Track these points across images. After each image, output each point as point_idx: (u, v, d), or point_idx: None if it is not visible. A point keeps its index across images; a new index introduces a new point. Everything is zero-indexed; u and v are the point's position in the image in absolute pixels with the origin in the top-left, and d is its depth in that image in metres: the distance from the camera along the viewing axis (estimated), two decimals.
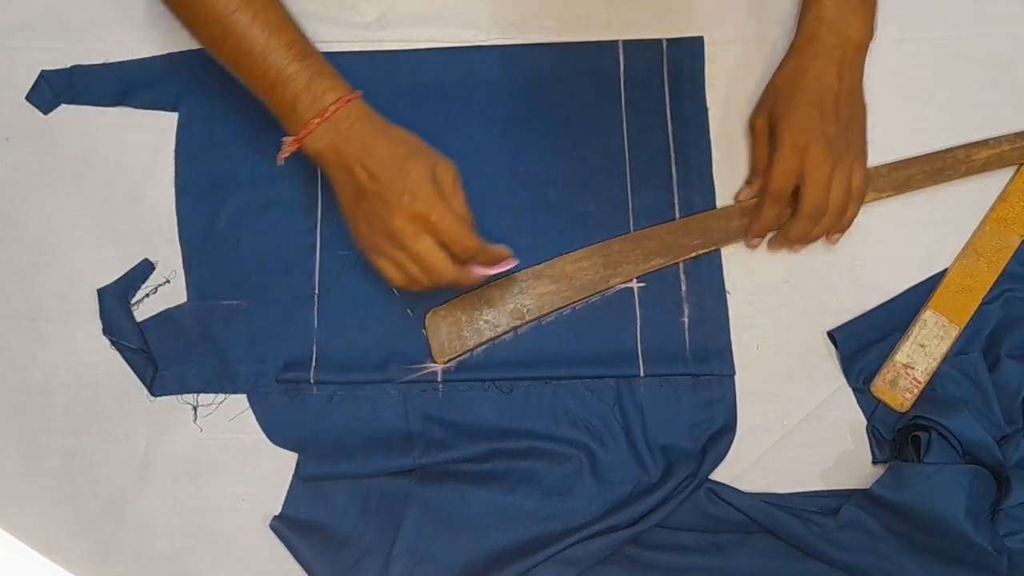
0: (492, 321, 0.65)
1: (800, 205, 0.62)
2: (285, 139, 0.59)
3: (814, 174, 0.61)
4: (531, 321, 0.65)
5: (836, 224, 0.64)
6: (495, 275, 0.61)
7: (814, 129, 0.61)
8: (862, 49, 0.63)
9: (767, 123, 0.65)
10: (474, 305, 0.65)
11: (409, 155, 0.58)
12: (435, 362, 0.65)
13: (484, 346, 0.65)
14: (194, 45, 0.71)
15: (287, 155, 0.59)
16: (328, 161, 0.59)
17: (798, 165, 0.61)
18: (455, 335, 0.64)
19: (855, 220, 0.64)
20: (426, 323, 0.65)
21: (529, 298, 0.65)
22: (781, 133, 0.62)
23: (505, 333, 0.65)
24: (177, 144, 0.70)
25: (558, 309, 0.65)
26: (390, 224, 0.57)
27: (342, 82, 0.59)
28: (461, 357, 0.65)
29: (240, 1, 0.57)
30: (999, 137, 0.68)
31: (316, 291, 0.66)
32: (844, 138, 0.62)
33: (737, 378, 0.65)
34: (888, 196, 0.67)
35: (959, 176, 0.67)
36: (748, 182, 0.68)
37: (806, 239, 0.64)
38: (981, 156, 0.67)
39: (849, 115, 0.63)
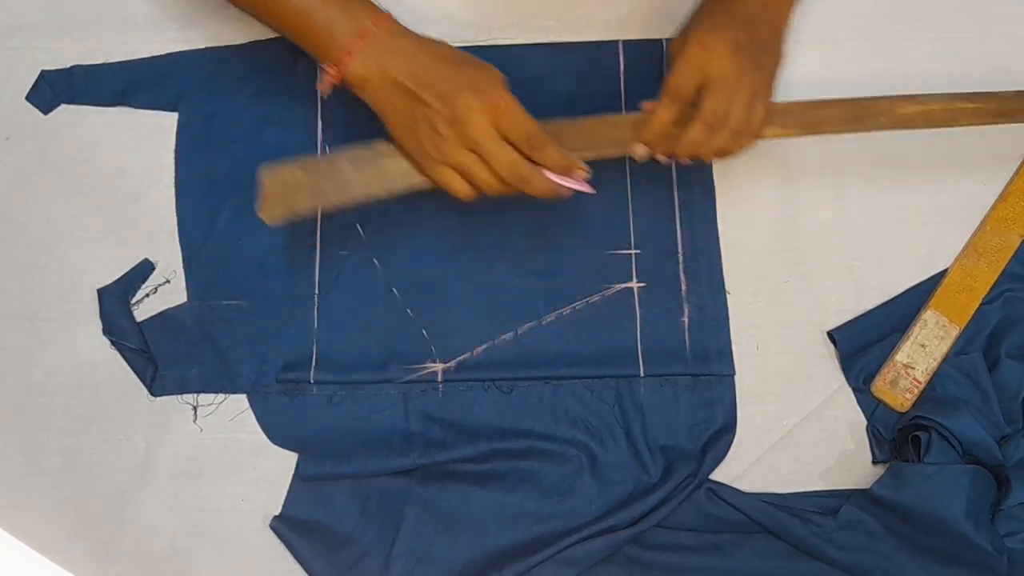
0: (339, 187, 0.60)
1: (699, 110, 0.57)
2: (326, 67, 0.57)
3: (719, 78, 0.56)
4: (380, 195, 0.60)
5: (729, 144, 0.58)
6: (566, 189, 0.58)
7: (726, 34, 0.56)
8: None
9: (696, 46, 0.58)
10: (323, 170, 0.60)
11: (457, 59, 0.57)
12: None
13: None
14: (194, 45, 0.71)
15: (329, 86, 0.58)
16: (375, 83, 0.57)
17: (703, 64, 0.56)
18: (290, 194, 0.59)
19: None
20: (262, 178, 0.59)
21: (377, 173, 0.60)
22: (691, 35, 0.57)
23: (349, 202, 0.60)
24: (177, 144, 0.70)
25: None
26: (456, 125, 0.55)
27: (377, 8, 0.58)
28: (461, 357, 0.65)
29: None
30: (931, 95, 0.62)
31: (316, 291, 0.66)
32: (756, 59, 0.58)
33: (737, 378, 0.65)
34: (795, 135, 0.62)
35: (878, 128, 0.62)
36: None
37: (696, 151, 0.59)
38: (906, 111, 0.62)
39: (765, 39, 0.59)
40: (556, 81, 0.70)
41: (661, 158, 0.61)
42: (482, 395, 0.64)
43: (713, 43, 0.56)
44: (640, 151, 0.60)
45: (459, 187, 0.58)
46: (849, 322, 0.65)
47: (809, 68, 0.71)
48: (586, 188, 0.59)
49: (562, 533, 0.61)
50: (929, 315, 0.64)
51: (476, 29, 0.71)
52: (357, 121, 0.69)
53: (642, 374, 0.64)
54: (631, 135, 0.60)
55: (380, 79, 0.57)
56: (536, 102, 0.69)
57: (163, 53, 0.71)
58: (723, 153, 0.59)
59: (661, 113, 0.58)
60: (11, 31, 0.72)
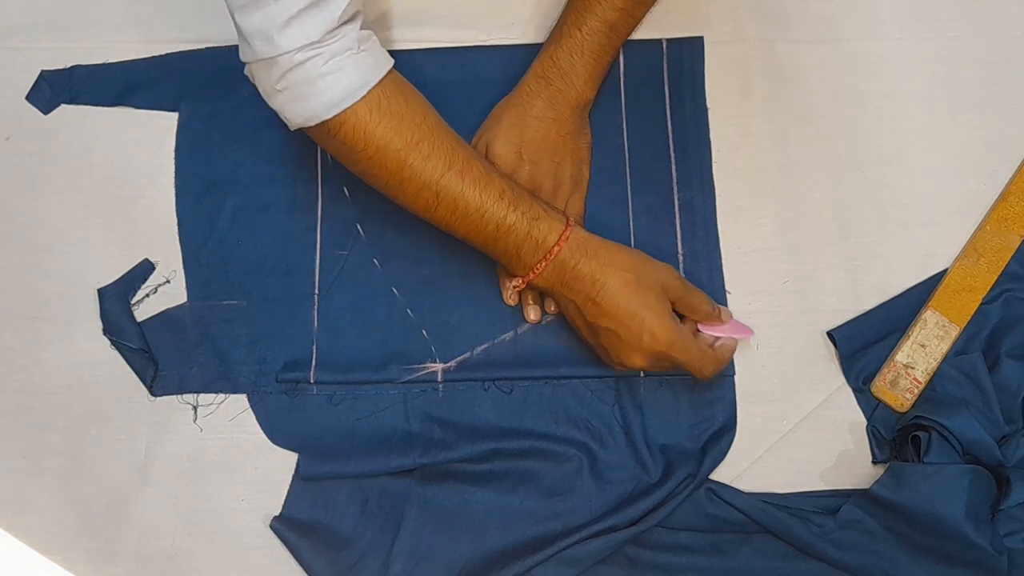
0: None
1: None
2: (514, 282, 0.62)
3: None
4: None
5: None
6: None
7: (523, 174, 0.64)
8: (585, 103, 0.66)
9: (483, 149, 0.65)
10: None
11: (638, 283, 0.59)
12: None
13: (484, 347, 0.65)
14: (194, 45, 0.71)
15: (516, 292, 0.64)
16: (558, 294, 0.61)
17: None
18: None
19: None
20: None
21: None
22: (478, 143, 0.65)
23: None
24: (177, 144, 0.70)
25: None
26: (632, 361, 0.59)
27: (558, 219, 0.59)
28: (461, 357, 0.65)
29: (446, 165, 0.58)
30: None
31: (316, 291, 0.67)
32: (552, 178, 0.65)
33: (737, 378, 0.65)
34: None
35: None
36: None
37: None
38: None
39: (561, 157, 0.66)
40: None
41: None
42: (482, 395, 0.64)
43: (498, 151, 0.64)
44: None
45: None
46: (849, 322, 0.65)
47: (809, 68, 0.71)
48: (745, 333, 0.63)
49: (562, 533, 0.61)
50: (929, 315, 0.64)
51: (476, 29, 0.71)
52: None
53: (642, 374, 0.64)
54: None
55: (563, 293, 0.60)
56: None
57: (163, 53, 0.71)
58: None
59: None
60: (11, 31, 0.72)
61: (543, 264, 0.59)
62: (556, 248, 0.59)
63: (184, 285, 0.67)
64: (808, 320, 0.66)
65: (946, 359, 0.63)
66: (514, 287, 0.63)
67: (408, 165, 0.57)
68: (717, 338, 0.62)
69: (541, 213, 0.59)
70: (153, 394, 0.65)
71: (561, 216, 0.60)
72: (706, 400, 0.64)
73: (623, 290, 0.58)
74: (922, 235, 0.67)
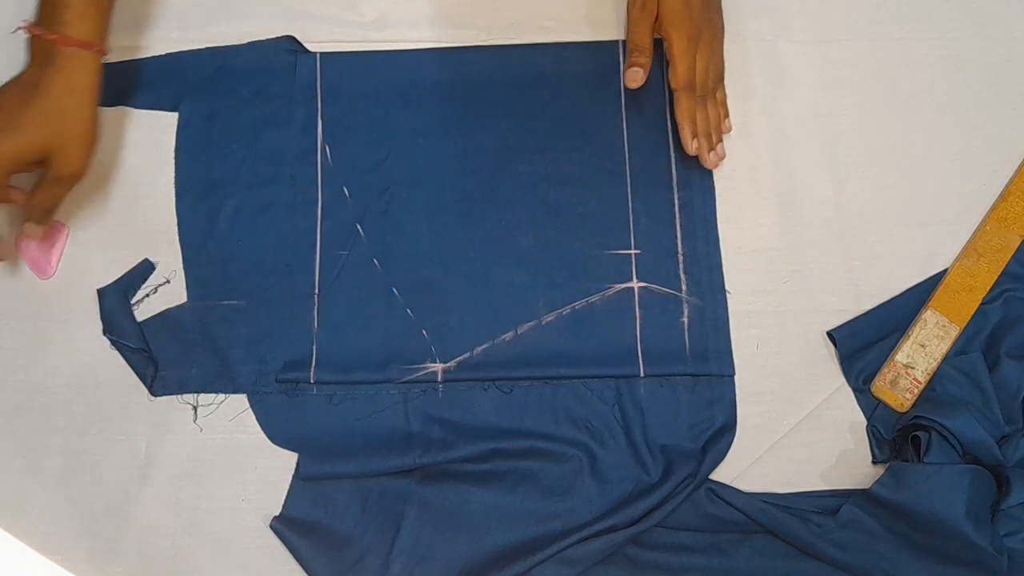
0: None
1: (671, 80, 0.66)
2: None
3: (702, 62, 0.66)
4: None
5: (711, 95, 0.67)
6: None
7: (699, 19, 0.65)
8: None
9: (654, 3, 0.66)
10: None
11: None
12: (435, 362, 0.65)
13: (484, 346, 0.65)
14: (194, 45, 0.71)
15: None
16: None
17: (693, 53, 0.65)
18: None
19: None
20: None
21: None
22: (673, 24, 0.65)
23: None
24: (177, 144, 0.70)
25: None
26: None
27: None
28: (461, 357, 0.65)
29: None
30: None
31: (316, 291, 0.66)
32: (710, 25, 0.67)
33: (737, 378, 0.65)
34: None
35: None
36: (637, 64, 0.67)
37: (692, 116, 0.66)
38: None
39: (716, 4, 0.68)
40: (556, 81, 0.70)
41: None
42: (482, 395, 0.64)
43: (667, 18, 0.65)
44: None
45: None
46: (849, 322, 0.65)
47: (809, 68, 0.71)
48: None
49: (562, 533, 0.61)
50: (929, 315, 0.64)
51: (476, 29, 0.71)
52: (357, 121, 0.70)
53: (642, 374, 0.64)
54: None
55: None
56: (537, 101, 0.70)
57: (163, 53, 0.71)
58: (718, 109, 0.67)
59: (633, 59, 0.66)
60: (11, 31, 0.72)
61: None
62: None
63: (184, 285, 0.67)
64: (808, 320, 0.66)
65: (946, 359, 0.63)
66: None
67: None
68: None
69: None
70: (153, 394, 0.65)
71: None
72: (706, 400, 0.64)
73: None
74: (922, 235, 0.67)
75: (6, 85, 0.61)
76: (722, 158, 0.67)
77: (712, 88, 0.67)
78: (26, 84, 0.60)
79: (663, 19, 0.66)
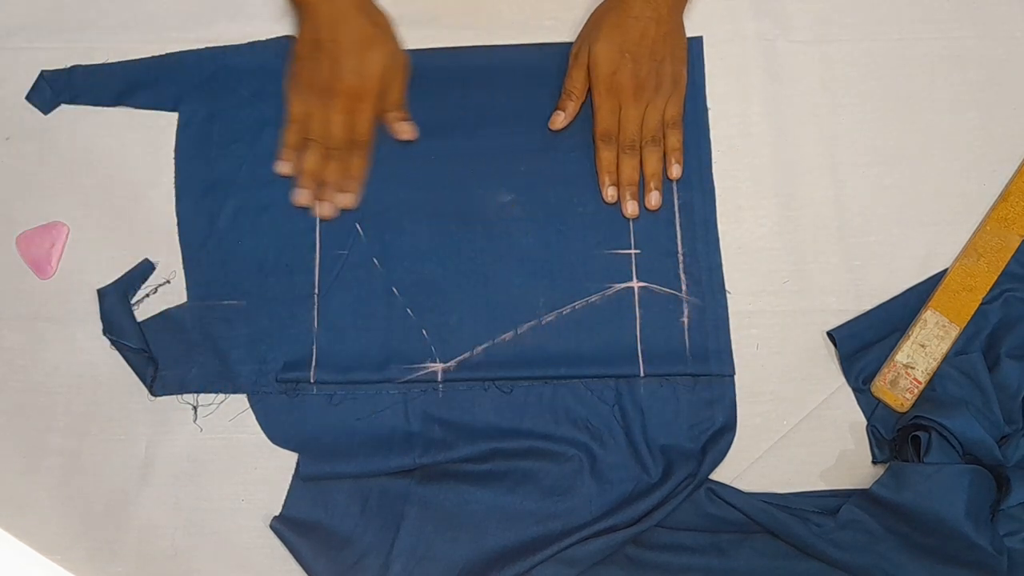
0: None
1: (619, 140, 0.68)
2: None
3: (627, 113, 0.67)
4: None
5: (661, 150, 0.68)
6: None
7: (626, 72, 0.66)
8: (682, 2, 0.69)
9: (585, 54, 0.68)
10: None
11: (375, 39, 0.65)
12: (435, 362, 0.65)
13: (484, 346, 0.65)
14: (194, 45, 0.72)
15: None
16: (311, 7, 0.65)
17: (615, 106, 0.67)
18: None
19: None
20: None
21: None
22: (596, 77, 0.67)
23: None
24: (177, 144, 0.70)
25: None
26: (329, 88, 0.65)
27: None
28: (461, 357, 0.65)
29: None
30: None
31: (316, 291, 0.67)
32: (654, 77, 0.67)
33: (737, 378, 0.65)
34: None
35: None
36: (561, 108, 0.69)
37: (634, 172, 0.68)
38: None
39: (662, 56, 0.67)
40: (556, 81, 0.70)
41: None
42: (482, 395, 0.64)
43: (616, 87, 0.66)
44: (610, 194, 0.68)
45: (298, 118, 0.69)
46: (849, 322, 0.65)
47: (809, 68, 0.71)
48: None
49: (562, 533, 0.61)
50: (929, 315, 0.64)
51: (476, 29, 0.71)
52: None
53: (642, 374, 0.64)
54: None
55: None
56: (537, 102, 0.70)
57: (163, 53, 0.71)
58: (669, 161, 0.68)
59: (604, 155, 0.68)
60: (11, 31, 0.72)
61: None
62: None
63: (184, 285, 0.67)
64: (808, 320, 0.66)
65: (946, 359, 0.63)
66: None
67: None
68: None
69: None
70: (153, 394, 0.65)
71: None
72: (706, 400, 0.64)
73: (363, 34, 0.66)
74: (922, 235, 0.67)
75: (303, 52, 0.67)
76: (655, 207, 0.67)
77: (651, 137, 0.67)
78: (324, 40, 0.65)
79: (590, 71, 0.67)
